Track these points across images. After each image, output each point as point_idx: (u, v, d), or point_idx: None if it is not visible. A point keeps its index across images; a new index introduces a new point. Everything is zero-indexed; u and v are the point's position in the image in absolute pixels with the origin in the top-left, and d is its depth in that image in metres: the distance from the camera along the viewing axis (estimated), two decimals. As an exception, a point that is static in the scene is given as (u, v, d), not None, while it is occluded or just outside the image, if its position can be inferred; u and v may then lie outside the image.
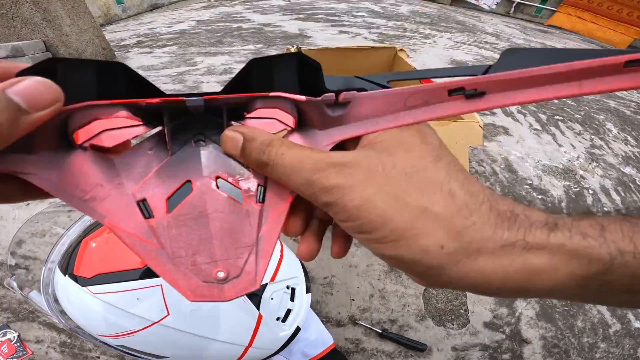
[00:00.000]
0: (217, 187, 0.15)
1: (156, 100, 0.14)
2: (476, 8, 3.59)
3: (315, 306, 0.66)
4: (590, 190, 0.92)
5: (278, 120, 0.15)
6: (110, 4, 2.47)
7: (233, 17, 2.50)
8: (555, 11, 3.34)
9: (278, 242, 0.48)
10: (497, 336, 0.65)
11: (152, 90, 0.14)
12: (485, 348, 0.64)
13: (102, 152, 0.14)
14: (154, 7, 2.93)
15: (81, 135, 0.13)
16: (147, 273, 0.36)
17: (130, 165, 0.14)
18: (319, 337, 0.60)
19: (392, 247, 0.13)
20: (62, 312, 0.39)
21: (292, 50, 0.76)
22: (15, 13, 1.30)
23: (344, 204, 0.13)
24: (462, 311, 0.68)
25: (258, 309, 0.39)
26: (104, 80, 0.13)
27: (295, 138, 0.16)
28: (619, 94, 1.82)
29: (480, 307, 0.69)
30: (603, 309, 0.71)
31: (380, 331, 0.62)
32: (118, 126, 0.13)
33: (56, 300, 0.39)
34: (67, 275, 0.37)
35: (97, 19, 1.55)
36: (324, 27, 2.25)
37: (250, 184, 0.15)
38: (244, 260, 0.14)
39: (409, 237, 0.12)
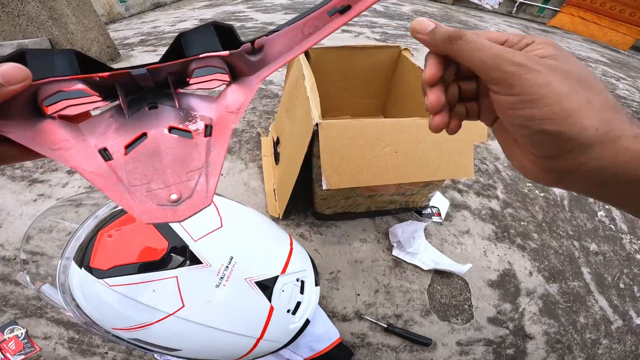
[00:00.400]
0: (169, 133, 0.18)
1: (106, 74, 0.17)
2: (478, 8, 3.59)
3: (321, 301, 0.66)
4: (592, 189, 0.93)
5: (216, 79, 0.19)
6: (113, 3, 2.47)
7: (236, 15, 2.50)
8: (557, 11, 3.33)
9: (287, 236, 0.49)
10: (501, 331, 0.66)
11: (106, 69, 0.17)
12: (489, 343, 0.64)
13: (68, 120, 0.17)
14: (156, 6, 2.93)
15: (50, 109, 0.16)
16: (163, 264, 0.36)
17: (93, 128, 0.17)
18: (325, 331, 0.61)
19: (556, 124, 0.16)
20: (77, 306, 0.39)
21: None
22: (21, 11, 1.31)
23: (526, 80, 0.17)
24: (466, 307, 0.68)
25: (270, 301, 0.40)
26: (63, 63, 0.16)
27: (233, 87, 0.20)
28: (621, 94, 1.82)
29: (484, 302, 0.69)
30: (605, 305, 0.72)
31: (385, 326, 0.63)
32: (80, 102, 0.16)
33: (71, 295, 0.39)
34: (82, 268, 0.37)
35: (100, 17, 1.56)
36: (327, 26, 2.24)
37: (198, 125, 0.18)
38: (195, 181, 0.16)
39: (575, 117, 0.16)
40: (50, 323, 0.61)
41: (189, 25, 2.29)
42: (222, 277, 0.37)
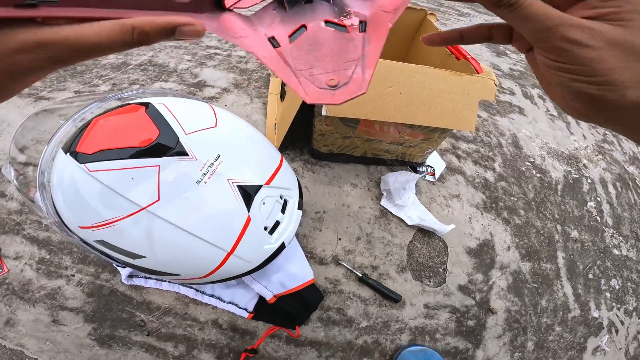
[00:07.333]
0: (326, 26, 0.20)
1: None
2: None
3: (302, 240, 0.66)
4: (588, 180, 0.93)
5: None
6: None
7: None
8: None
9: (279, 154, 0.46)
10: (468, 301, 0.67)
11: None
12: (454, 311, 0.66)
13: (240, 14, 0.20)
14: None
15: (228, 2, 0.20)
16: (150, 152, 0.34)
17: (261, 19, 0.21)
18: (301, 271, 0.61)
19: (600, 90, 0.17)
20: (51, 203, 0.37)
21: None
22: None
23: (578, 54, 0.17)
24: (440, 270, 0.69)
25: (248, 211, 0.38)
26: None
27: None
28: None
29: (459, 269, 0.70)
30: (569, 292, 0.74)
31: (360, 275, 0.63)
32: None
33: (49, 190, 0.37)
34: (68, 154, 0.35)
35: None
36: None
37: (353, 20, 0.20)
38: (352, 71, 0.18)
39: (621, 87, 0.17)
40: (25, 241, 0.59)
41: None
42: (205, 174, 0.36)
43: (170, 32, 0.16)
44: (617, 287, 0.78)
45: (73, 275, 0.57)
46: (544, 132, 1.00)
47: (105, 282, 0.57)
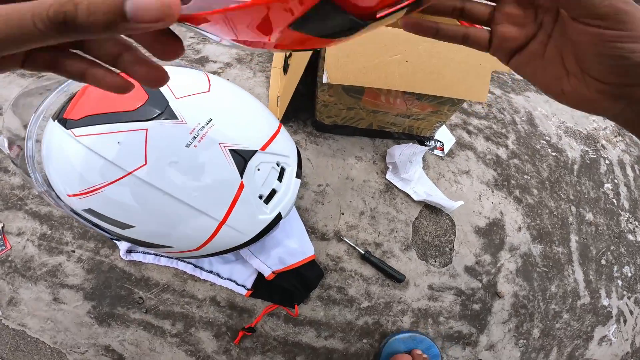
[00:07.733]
0: None
1: None
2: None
3: (303, 214, 0.63)
4: (606, 161, 0.88)
5: None
6: None
7: None
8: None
9: (277, 121, 0.44)
10: (474, 283, 0.65)
11: None
12: (459, 293, 0.64)
13: None
14: None
15: None
16: (137, 116, 0.33)
17: None
18: (301, 246, 0.59)
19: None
20: (41, 170, 0.37)
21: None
22: None
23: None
24: (447, 249, 0.67)
25: (241, 177, 0.35)
26: None
27: None
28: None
29: (466, 249, 0.67)
30: (580, 278, 0.71)
31: (363, 252, 0.61)
32: None
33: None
34: (56, 120, 0.35)
35: None
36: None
37: None
38: None
39: None
40: (27, 216, 0.58)
41: None
42: (195, 137, 0.34)
43: (115, 10, 0.11)
44: (630, 274, 0.75)
45: (73, 251, 0.56)
46: (561, 110, 0.95)
47: (104, 257, 0.56)
